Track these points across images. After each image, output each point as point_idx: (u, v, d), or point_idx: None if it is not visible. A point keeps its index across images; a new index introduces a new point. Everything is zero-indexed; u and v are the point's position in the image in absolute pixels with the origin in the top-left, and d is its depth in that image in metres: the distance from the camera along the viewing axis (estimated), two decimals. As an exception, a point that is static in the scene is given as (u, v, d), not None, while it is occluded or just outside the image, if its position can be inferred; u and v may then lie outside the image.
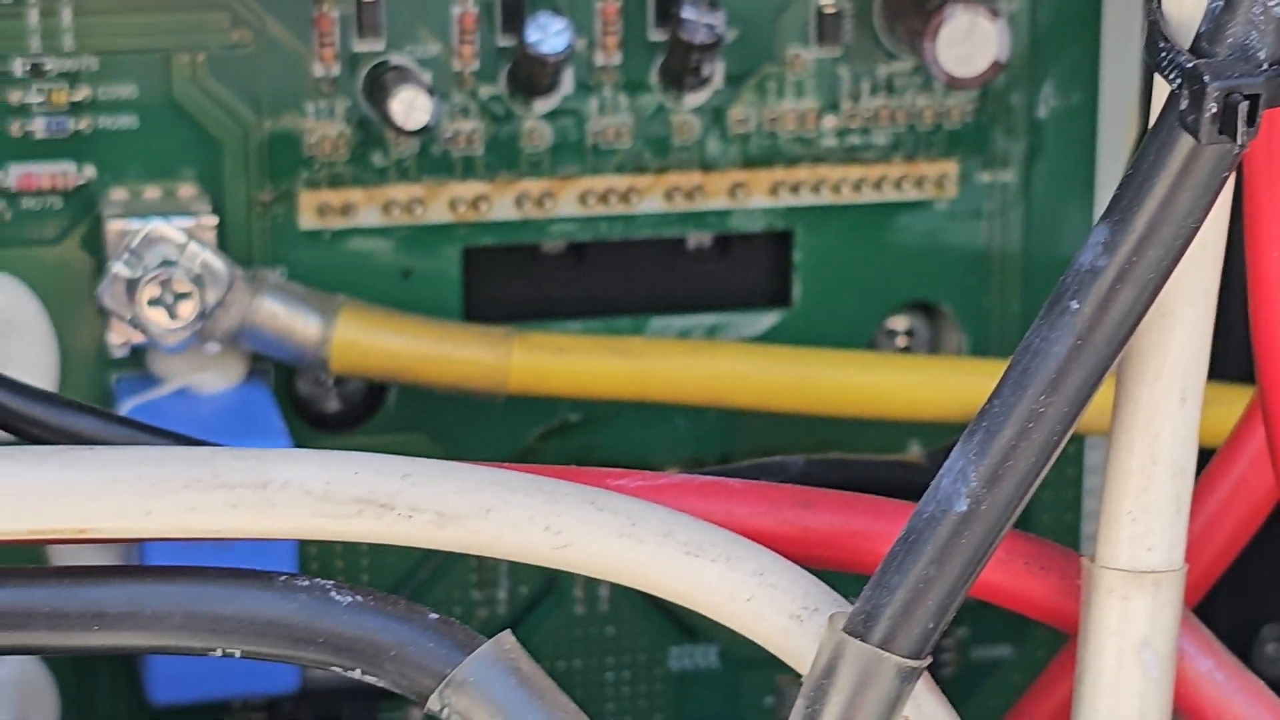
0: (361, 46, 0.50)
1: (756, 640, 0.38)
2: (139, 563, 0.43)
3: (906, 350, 0.54)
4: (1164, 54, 0.34)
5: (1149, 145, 0.35)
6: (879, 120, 0.52)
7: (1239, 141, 0.33)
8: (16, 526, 0.37)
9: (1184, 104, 0.34)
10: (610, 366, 0.51)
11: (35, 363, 0.49)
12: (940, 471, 0.36)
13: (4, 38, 0.48)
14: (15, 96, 0.48)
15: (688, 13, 0.49)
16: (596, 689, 0.55)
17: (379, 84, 0.49)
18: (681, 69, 0.50)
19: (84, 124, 0.49)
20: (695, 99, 0.51)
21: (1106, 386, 0.36)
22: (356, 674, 0.37)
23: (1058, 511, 0.55)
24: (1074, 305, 0.35)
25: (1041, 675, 0.46)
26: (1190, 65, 0.33)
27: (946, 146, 0.52)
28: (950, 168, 0.52)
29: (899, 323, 0.54)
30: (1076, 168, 0.53)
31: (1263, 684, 0.40)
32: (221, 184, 0.50)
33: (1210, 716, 0.40)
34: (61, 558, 0.43)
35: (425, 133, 0.49)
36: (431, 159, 0.51)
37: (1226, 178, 0.35)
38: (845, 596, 0.37)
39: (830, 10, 0.51)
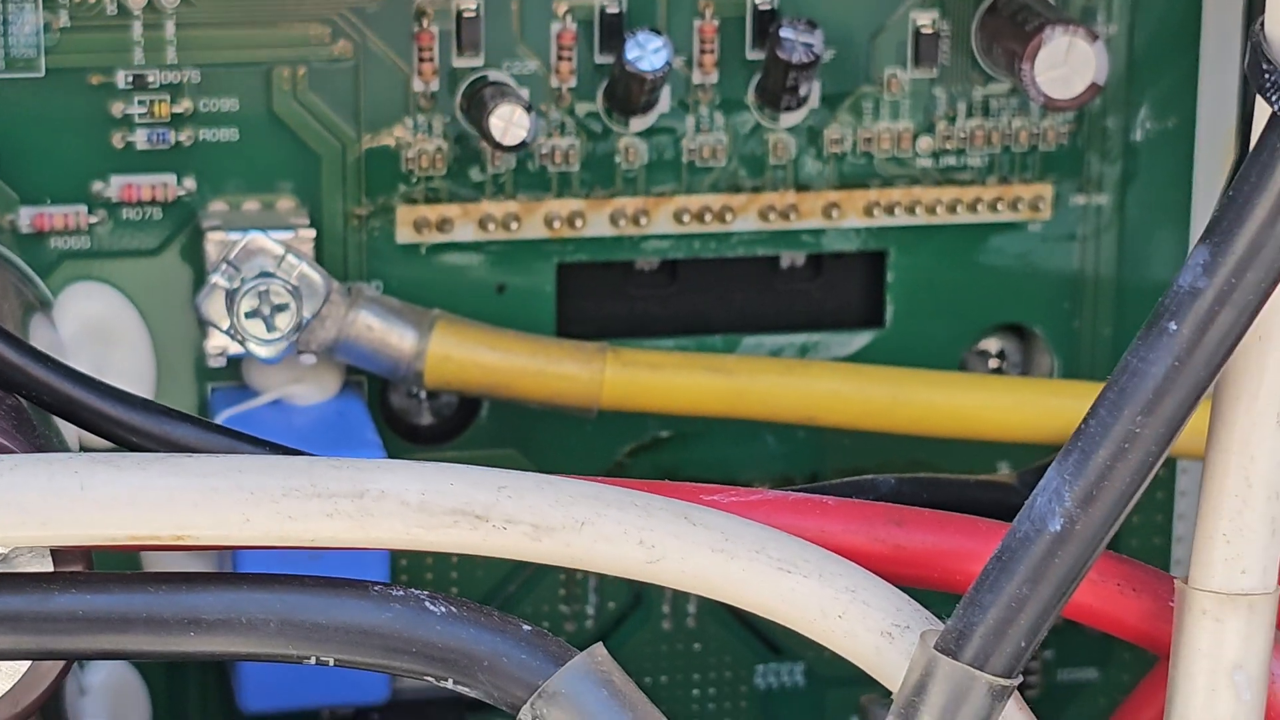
0: (461, 62, 0.50)
1: (847, 657, 0.37)
2: (233, 571, 0.43)
3: (998, 372, 0.54)
4: (1267, 76, 0.33)
5: (1250, 167, 0.34)
6: (974, 142, 0.52)
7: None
8: (116, 532, 0.37)
9: (1289, 118, 0.30)
10: (702, 383, 0.51)
11: (133, 371, 0.50)
12: (1035, 491, 0.36)
13: (108, 50, 0.49)
14: (118, 108, 0.49)
15: (786, 32, 0.49)
16: (683, 705, 0.55)
17: (477, 100, 0.49)
18: (778, 89, 0.50)
19: (185, 136, 0.49)
20: (791, 119, 0.51)
21: (1201, 409, 0.36)
22: (449, 684, 0.37)
23: (1147, 535, 0.55)
24: (1172, 326, 0.35)
25: (1130, 697, 0.46)
26: (1297, 82, 0.32)
27: (1041, 169, 0.53)
28: (1045, 190, 0.52)
29: (991, 344, 0.54)
30: (1171, 192, 0.53)
31: None
32: (319, 197, 0.50)
33: None
34: (157, 564, 0.43)
35: (522, 149, 0.49)
36: (528, 175, 0.51)
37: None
38: (937, 615, 0.37)
39: (928, 31, 0.51)
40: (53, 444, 0.42)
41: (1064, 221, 0.53)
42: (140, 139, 0.49)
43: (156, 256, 0.50)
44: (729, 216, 0.52)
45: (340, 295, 0.49)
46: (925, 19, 0.52)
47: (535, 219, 0.51)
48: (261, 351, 0.48)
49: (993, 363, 0.54)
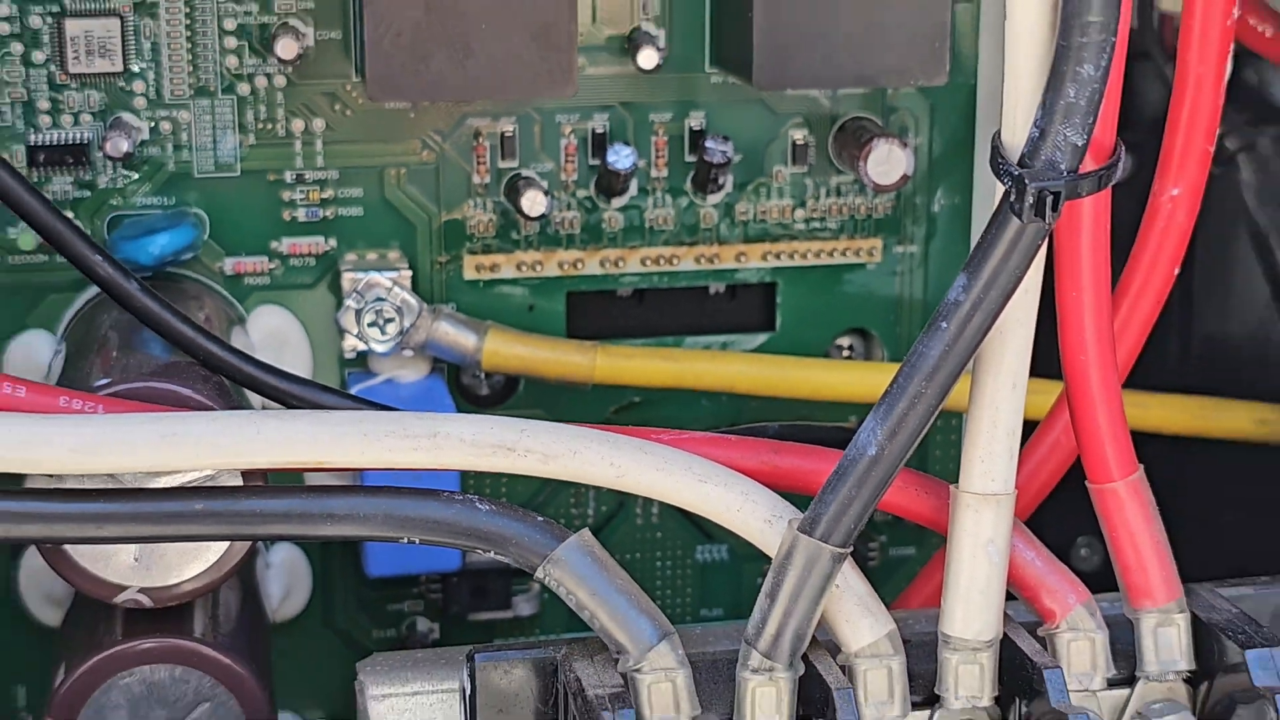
0: (503, 164, 0.51)
1: (744, 537, 0.39)
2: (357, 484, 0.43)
3: (848, 358, 0.55)
4: (1001, 166, 0.35)
5: (991, 224, 0.35)
6: (831, 213, 0.53)
7: (1048, 222, 0.35)
8: (281, 461, 0.38)
9: (1013, 198, 0.35)
10: (659, 367, 0.52)
11: (298, 362, 0.51)
12: (859, 430, 0.37)
13: (280, 159, 0.51)
14: (286, 195, 0.51)
15: (709, 144, 0.51)
16: (648, 573, 0.55)
17: (514, 187, 0.51)
18: (705, 180, 0.52)
19: (329, 212, 0.51)
20: (714, 199, 0.53)
21: (963, 379, 0.37)
22: (491, 554, 0.38)
23: (945, 462, 0.55)
24: (944, 325, 0.36)
25: (928, 563, 0.49)
26: (1017, 173, 0.35)
27: (874, 230, 0.54)
28: (876, 243, 0.54)
29: (844, 341, 0.55)
30: (956, 245, 0.54)
31: (1067, 569, 0.40)
32: (415, 251, 0.52)
33: (1031, 588, 0.40)
34: (311, 479, 0.44)
35: (542, 219, 0.51)
36: (546, 236, 0.52)
37: (1041, 245, 0.35)
38: (799, 509, 0.38)
39: (800, 143, 0.53)
40: (241, 406, 0.44)
41: (889, 263, 0.54)
42: (300, 214, 0.51)
43: (312, 290, 0.51)
44: (675, 261, 0.53)
45: (428, 312, 0.50)
46: (799, 135, 0.52)
47: (552, 263, 0.52)
48: (378, 348, 0.50)
49: (845, 353, 0.55)
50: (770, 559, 0.37)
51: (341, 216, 0.50)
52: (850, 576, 0.37)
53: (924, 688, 0.38)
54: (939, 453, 0.55)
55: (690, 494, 0.38)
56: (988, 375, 0.37)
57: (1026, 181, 0.34)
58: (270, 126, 0.49)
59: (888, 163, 0.50)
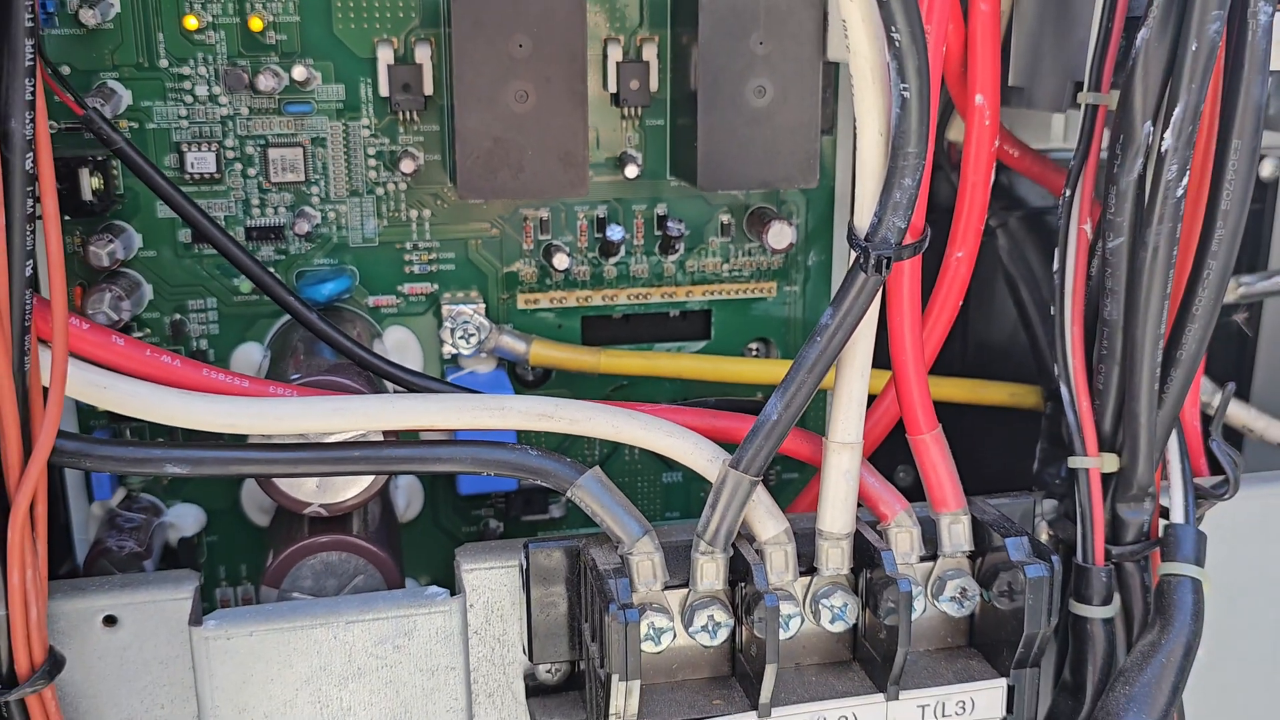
0: (541, 237, 0.51)
1: (694, 469, 0.39)
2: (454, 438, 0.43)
3: (756, 357, 0.54)
4: (853, 240, 0.36)
5: (847, 277, 0.36)
6: (745, 266, 0.53)
7: (883, 276, 0.35)
8: (405, 424, 0.38)
9: (861, 261, 0.35)
10: (639, 363, 0.51)
11: (415, 362, 0.51)
12: (767, 402, 0.37)
13: (402, 234, 0.49)
14: (406, 257, 0.50)
15: (670, 224, 0.51)
16: (631, 491, 0.55)
17: (548, 251, 0.51)
18: (667, 246, 0.52)
19: (433, 268, 0.50)
20: (672, 258, 0.52)
21: (831, 371, 0.37)
22: (538, 481, 0.39)
23: (817, 423, 0.55)
24: (818, 339, 0.36)
25: (806, 485, 0.48)
26: (864, 245, 0.35)
27: (772, 276, 0.53)
28: (773, 285, 0.53)
29: (753, 345, 0.54)
30: (824, 286, 0.54)
31: (894, 487, 0.40)
32: (487, 291, 0.51)
33: (871, 499, 0.39)
34: (426, 434, 0.44)
35: (566, 271, 0.51)
36: (569, 281, 0.52)
37: (878, 289, 0.36)
38: (729, 452, 0.38)
39: (726, 222, 0.52)
40: (382, 391, 0.44)
41: (781, 297, 0.53)
42: (415, 269, 0.50)
43: (423, 316, 0.51)
44: (648, 297, 0.52)
45: (496, 330, 0.50)
46: (725, 217, 0.52)
47: (571, 299, 0.52)
48: (465, 353, 0.50)
49: (754, 353, 0.54)
50: (711, 483, 0.37)
51: (441, 270, 0.49)
52: (761, 493, 0.38)
53: (806, 562, 0.38)
54: (814, 415, 0.55)
55: (661, 443, 0.38)
56: (845, 368, 0.37)
57: (870, 251, 0.34)
58: (397, 214, 0.48)
59: (780, 235, 0.50)
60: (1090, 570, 0.39)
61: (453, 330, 0.48)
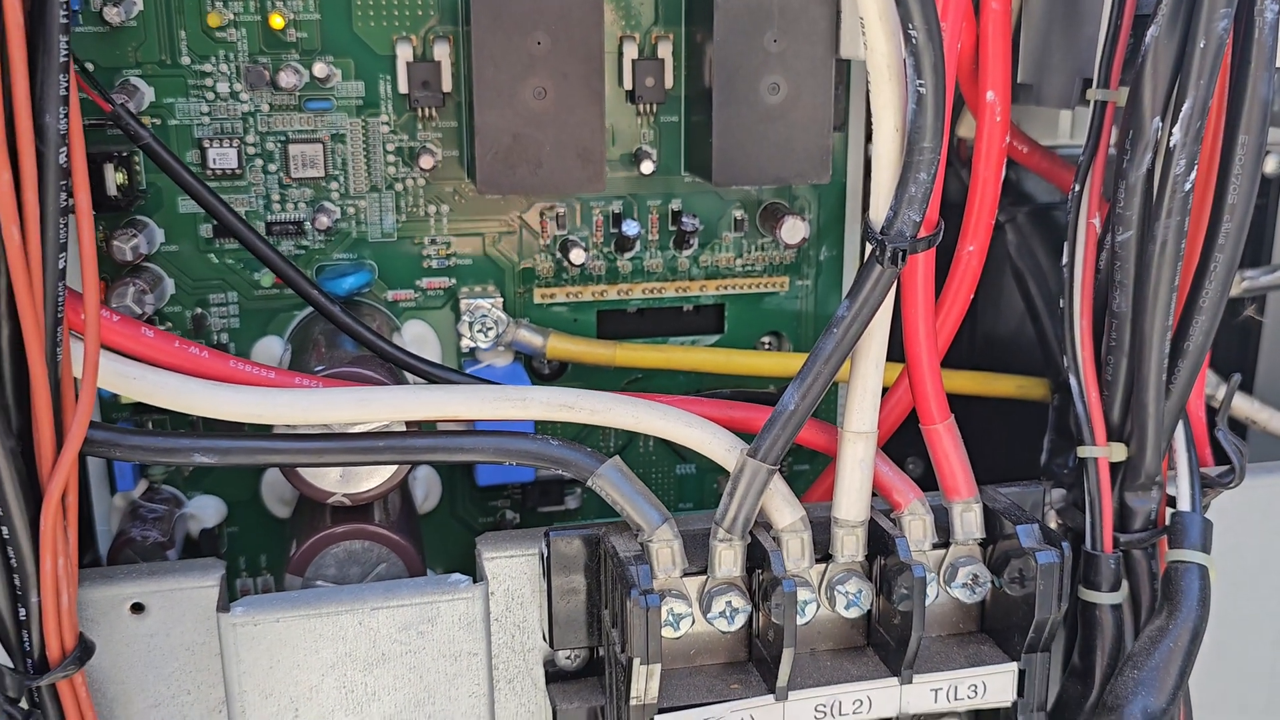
0: (558, 232, 0.51)
1: (713, 459, 0.39)
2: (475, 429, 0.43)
3: (768, 350, 0.54)
4: (870, 234, 0.36)
5: (863, 268, 0.36)
6: (759, 261, 0.53)
7: (899, 268, 0.35)
8: (425, 415, 0.39)
9: (877, 253, 0.35)
10: (654, 356, 0.51)
11: (433, 355, 0.51)
12: (784, 393, 0.37)
13: (421, 229, 0.49)
14: (425, 251, 0.50)
15: (685, 220, 0.51)
16: (645, 482, 0.53)
17: (564, 246, 0.51)
18: (681, 241, 0.52)
19: (451, 262, 0.51)
20: (686, 252, 0.52)
21: (847, 363, 0.38)
22: (558, 471, 0.39)
23: (830, 414, 0.56)
24: (835, 330, 0.37)
25: (820, 475, 0.48)
26: (880, 239, 0.35)
27: (784, 271, 0.53)
28: (785, 279, 0.53)
29: (765, 339, 0.54)
30: (837, 279, 0.54)
31: (907, 475, 0.40)
32: (504, 286, 0.51)
33: (885, 488, 0.40)
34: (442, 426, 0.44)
35: (582, 267, 0.51)
36: (585, 275, 0.52)
37: (893, 282, 0.36)
38: (746, 442, 0.38)
39: (739, 218, 0.52)
40: (402, 382, 0.44)
41: (793, 292, 0.53)
42: (433, 263, 0.50)
43: (441, 310, 0.51)
44: (662, 291, 0.52)
45: (513, 323, 0.50)
46: (739, 213, 0.52)
47: (587, 293, 0.52)
48: (482, 346, 0.50)
49: (765, 346, 0.54)
50: (729, 473, 0.37)
51: (458, 265, 0.49)
52: (777, 482, 0.38)
53: (822, 549, 0.39)
54: (824, 407, 0.55)
55: (680, 433, 0.39)
56: (861, 359, 0.38)
57: (886, 243, 0.34)
58: (415, 209, 0.48)
59: (794, 230, 0.50)
60: (1099, 557, 0.39)
61: (471, 324, 0.48)
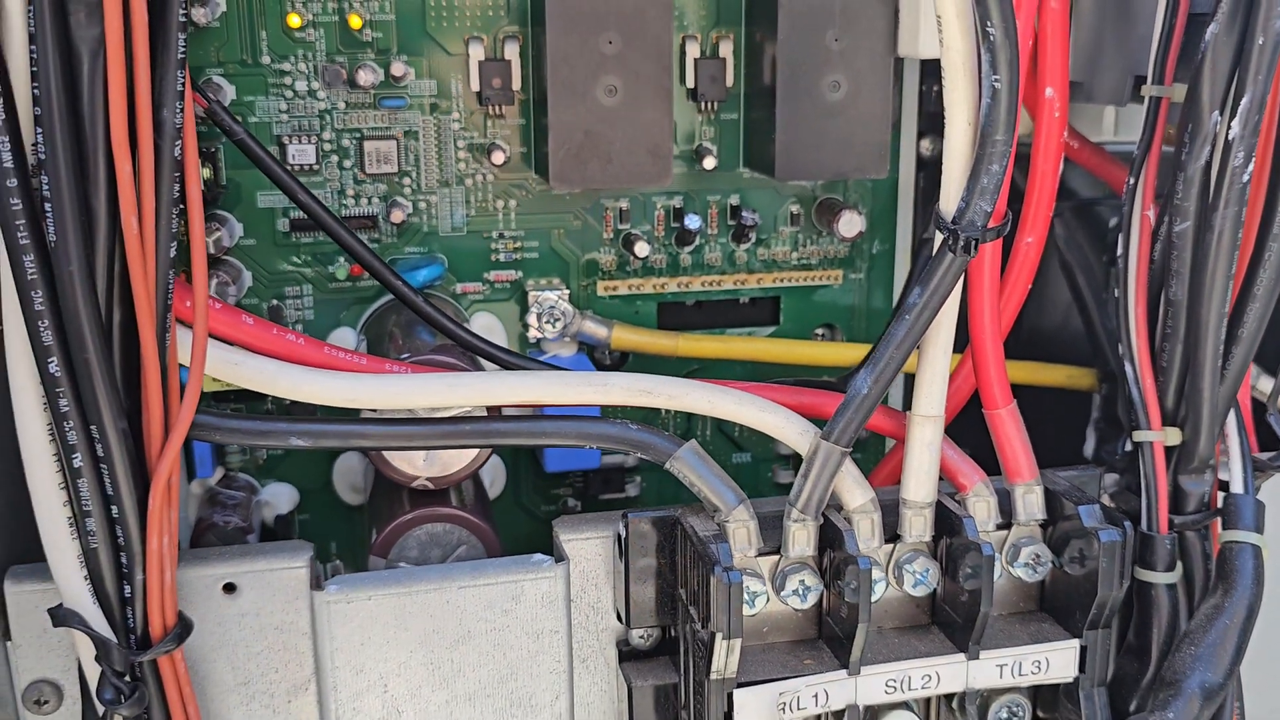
0: (621, 226, 0.52)
1: (786, 443, 0.39)
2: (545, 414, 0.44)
3: (821, 340, 0.55)
4: (941, 223, 0.36)
5: (935, 256, 0.36)
6: (814, 255, 0.54)
7: (971, 256, 0.36)
8: (504, 400, 0.39)
9: (950, 242, 0.36)
10: (714, 347, 0.52)
11: (501, 341, 0.51)
12: (854, 379, 0.38)
13: (490, 224, 0.50)
14: (493, 245, 0.51)
15: (744, 213, 0.51)
16: None
17: (628, 240, 0.52)
18: (740, 235, 0.53)
19: (519, 256, 0.52)
20: (744, 246, 0.53)
21: (915, 353, 0.39)
22: (639, 454, 0.39)
23: (895, 401, 0.56)
24: (906, 317, 0.37)
25: (883, 458, 0.47)
26: (952, 228, 0.36)
27: (838, 265, 0.54)
28: (839, 273, 0.54)
29: (819, 330, 0.55)
30: (888, 272, 0.55)
31: (971, 458, 0.41)
32: (569, 278, 0.52)
33: (951, 471, 0.40)
34: (514, 410, 0.45)
35: (644, 259, 0.52)
36: (646, 267, 0.53)
37: (963, 271, 0.37)
38: (819, 426, 0.39)
39: (795, 211, 0.53)
40: (481, 369, 0.44)
41: (847, 285, 0.54)
42: (502, 257, 0.51)
43: (508, 302, 0.52)
44: (721, 284, 0.53)
45: (579, 315, 0.51)
46: (795, 208, 0.53)
47: (649, 285, 0.53)
48: (549, 336, 0.51)
49: (820, 337, 0.55)
50: (800, 456, 0.38)
51: (526, 258, 0.50)
52: (849, 464, 0.38)
53: (890, 530, 0.39)
54: (898, 394, 0.56)
55: (754, 418, 0.39)
56: (929, 345, 0.38)
57: (959, 233, 0.35)
58: (485, 204, 0.49)
59: (851, 224, 0.51)
60: (1155, 538, 0.40)
61: (539, 316, 0.49)
